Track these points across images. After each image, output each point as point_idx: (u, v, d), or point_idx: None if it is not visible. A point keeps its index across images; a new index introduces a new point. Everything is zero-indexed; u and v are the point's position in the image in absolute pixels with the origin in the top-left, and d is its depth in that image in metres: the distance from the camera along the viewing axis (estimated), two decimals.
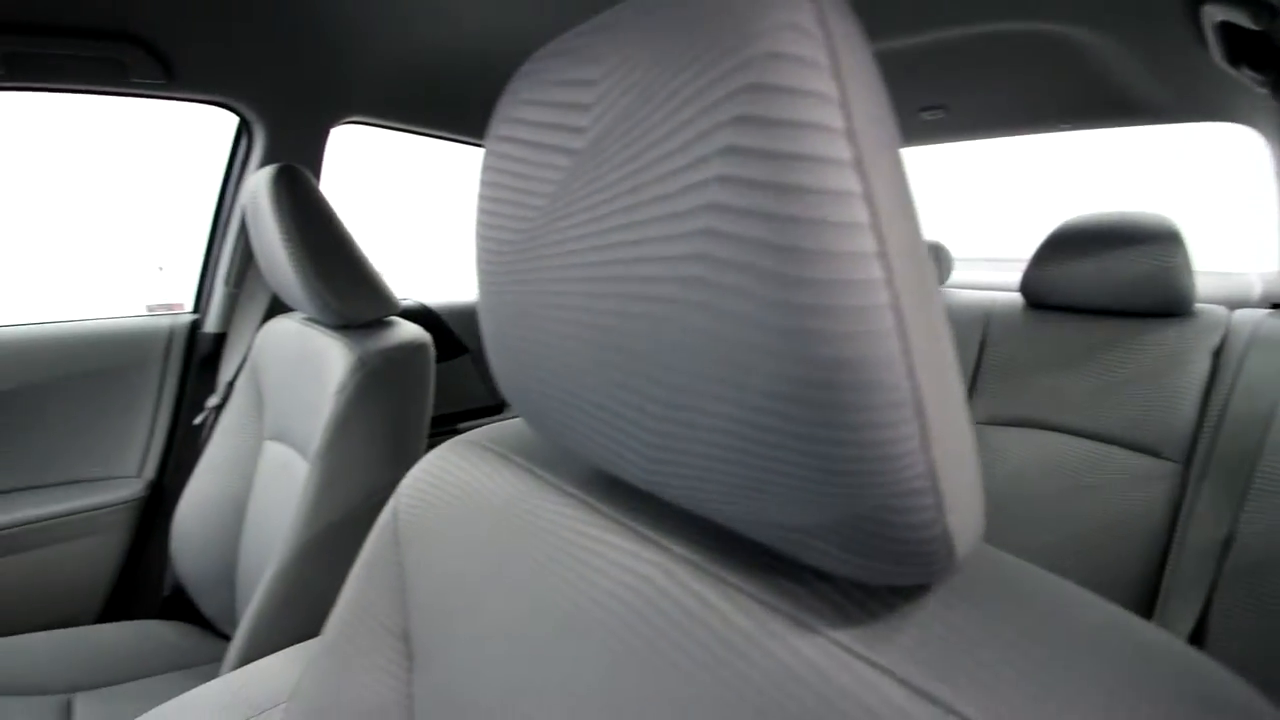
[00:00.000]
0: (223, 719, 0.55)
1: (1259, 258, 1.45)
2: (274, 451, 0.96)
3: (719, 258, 0.18)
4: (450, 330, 1.54)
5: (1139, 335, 0.98)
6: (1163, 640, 0.21)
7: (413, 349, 0.84)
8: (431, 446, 0.81)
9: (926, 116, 1.35)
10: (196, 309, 1.20)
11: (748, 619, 0.24)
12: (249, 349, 1.05)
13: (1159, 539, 0.89)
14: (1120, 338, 0.99)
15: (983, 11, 0.89)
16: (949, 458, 0.18)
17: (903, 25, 0.93)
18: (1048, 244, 1.05)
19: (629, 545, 0.29)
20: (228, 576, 0.98)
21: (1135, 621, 0.22)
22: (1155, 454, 0.93)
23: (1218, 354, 0.92)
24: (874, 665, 0.20)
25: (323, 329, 0.89)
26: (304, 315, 0.98)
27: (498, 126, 0.28)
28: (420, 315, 1.51)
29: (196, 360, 1.16)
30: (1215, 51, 0.81)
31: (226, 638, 1.02)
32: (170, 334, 1.15)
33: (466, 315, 1.58)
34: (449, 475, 0.41)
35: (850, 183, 0.16)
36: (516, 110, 0.27)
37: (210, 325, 1.17)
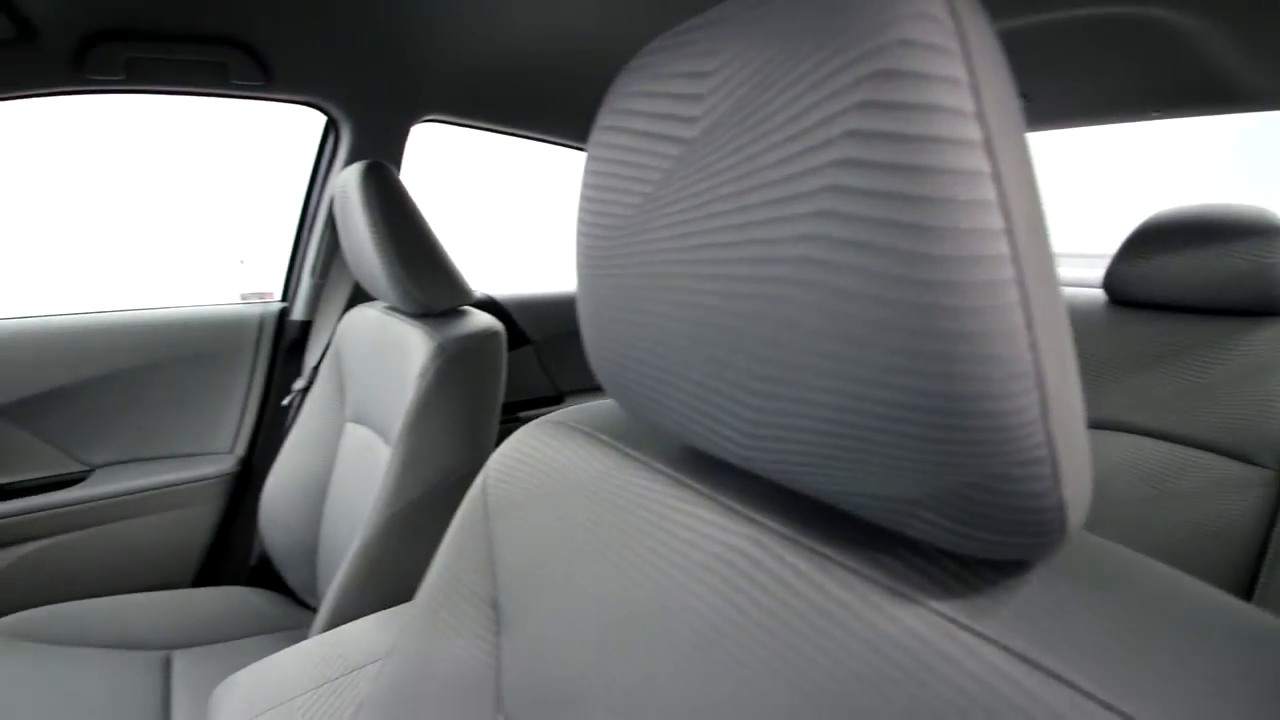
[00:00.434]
0: (320, 673, 0.59)
1: None
2: (354, 433, 1.02)
3: (835, 237, 0.19)
4: (514, 322, 1.58)
5: (1233, 335, 0.93)
6: (1276, 625, 0.20)
7: (487, 336, 0.87)
8: (500, 432, 0.84)
9: None
10: (285, 298, 1.28)
11: (845, 590, 0.25)
12: (332, 336, 1.11)
13: (1251, 549, 0.85)
14: (1212, 337, 0.94)
15: None
16: (1065, 430, 0.18)
17: (996, 9, 0.90)
18: (1135, 237, 1.00)
19: (720, 519, 0.31)
20: (310, 549, 1.04)
21: (1244, 606, 0.21)
22: (1248, 460, 0.88)
23: None
24: (978, 634, 0.21)
25: (402, 317, 0.94)
26: (384, 304, 1.03)
27: (605, 118, 0.30)
28: (487, 307, 1.56)
29: (284, 346, 1.24)
30: None
31: (307, 606, 1.08)
32: (261, 321, 1.23)
33: (529, 307, 1.62)
34: (536, 453, 0.43)
35: (979, 163, 0.17)
36: (625, 102, 0.28)
37: (297, 313, 1.24)
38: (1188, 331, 0.96)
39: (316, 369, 1.16)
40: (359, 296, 1.22)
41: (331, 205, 1.18)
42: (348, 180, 0.88)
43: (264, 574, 1.19)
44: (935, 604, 0.23)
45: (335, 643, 0.64)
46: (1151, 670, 0.19)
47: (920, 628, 0.22)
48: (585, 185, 0.32)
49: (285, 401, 1.20)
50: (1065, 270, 1.92)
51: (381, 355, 0.95)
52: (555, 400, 1.69)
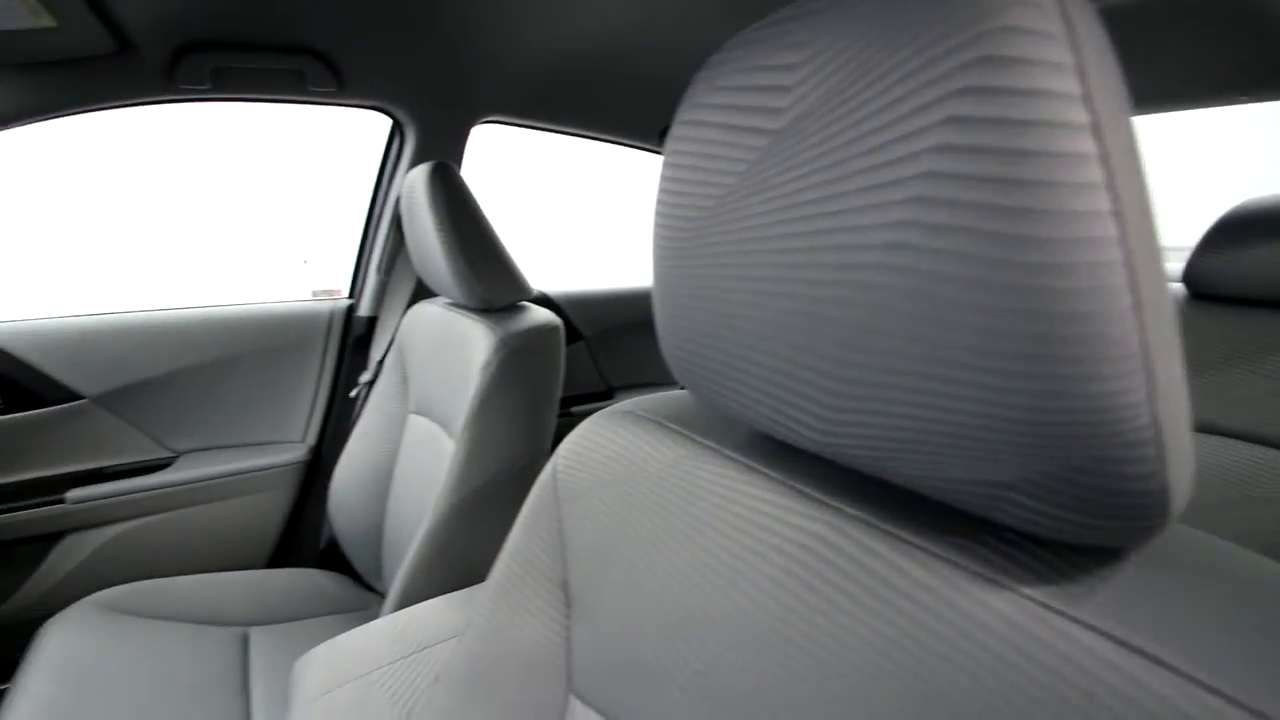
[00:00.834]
0: (394, 650, 0.62)
1: None
2: (417, 424, 1.06)
3: (931, 223, 0.20)
4: (567, 318, 1.61)
5: None
6: None
7: (547, 331, 0.89)
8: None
9: None
10: (351, 295, 1.33)
11: (929, 574, 0.25)
12: (396, 331, 1.15)
13: None
14: None
15: None
16: (1171, 413, 0.18)
17: None
18: (1219, 228, 0.95)
19: (795, 505, 0.31)
20: (375, 534, 1.09)
21: None
22: None
23: None
24: (1073, 619, 0.21)
25: (464, 312, 0.97)
26: (446, 300, 1.07)
27: (686, 112, 0.31)
28: (541, 303, 1.59)
29: (351, 340, 1.29)
30: None
31: (372, 589, 1.13)
32: (330, 317, 1.29)
33: (581, 304, 1.64)
34: (605, 441, 0.44)
35: (1086, 145, 0.17)
36: (708, 96, 0.29)
37: (363, 309, 1.30)
38: (1277, 328, 0.91)
39: (381, 363, 1.21)
40: (421, 293, 1.26)
41: (397, 205, 1.23)
42: (415, 181, 0.91)
43: (332, 557, 1.25)
44: (1026, 589, 0.23)
45: (406, 622, 0.67)
46: (1256, 659, 0.19)
47: (1011, 612, 0.22)
48: (664, 178, 0.32)
49: (352, 394, 1.26)
50: None
51: (443, 349, 0.98)
52: (605, 395, 1.71)
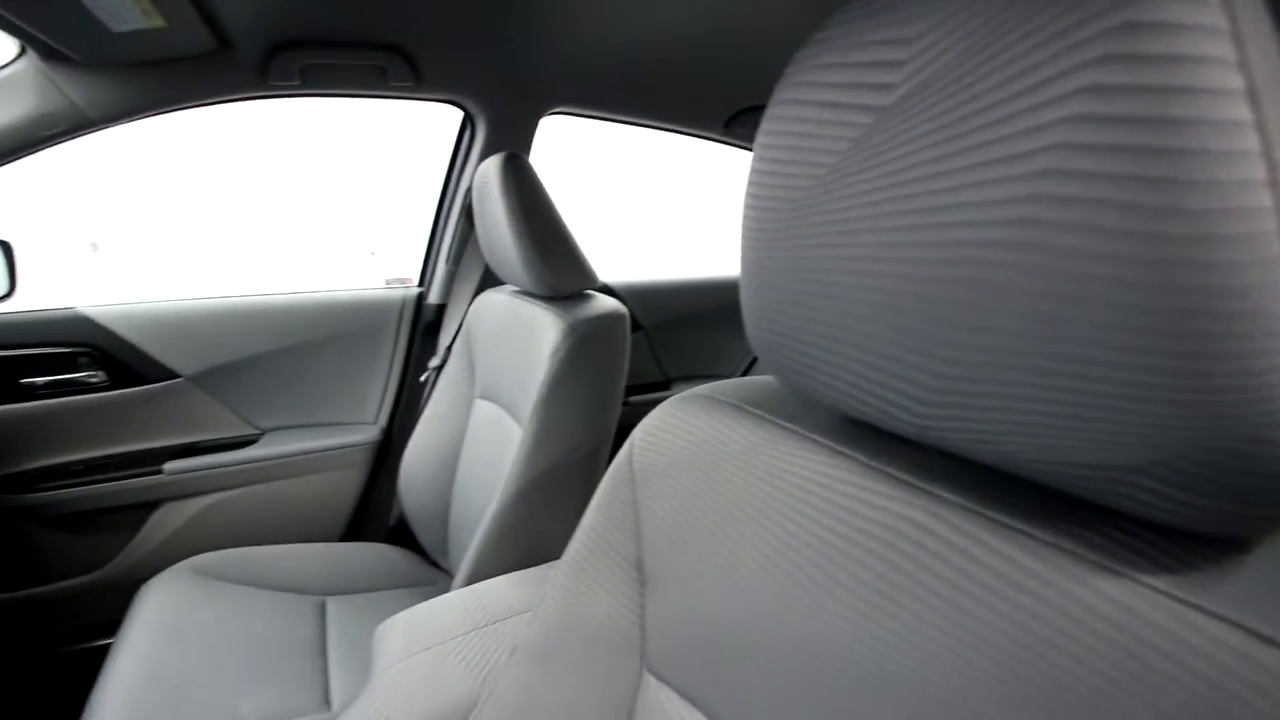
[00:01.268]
0: (467, 621, 0.64)
1: None
2: (483, 408, 1.09)
3: (1061, 196, 0.19)
4: (628, 308, 1.63)
5: None
6: None
7: (614, 318, 0.91)
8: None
9: None
10: (421, 283, 1.38)
11: (1038, 561, 0.24)
12: (464, 318, 1.19)
13: None
14: None
15: None
16: None
17: None
18: None
19: (887, 489, 0.31)
20: (442, 513, 1.13)
21: None
22: None
23: None
24: (1198, 608, 0.20)
25: (532, 300, 0.99)
26: (513, 289, 1.09)
27: (785, 92, 0.31)
28: (602, 292, 1.61)
29: (421, 327, 1.34)
30: None
31: (437, 566, 1.17)
32: (402, 304, 1.34)
33: (640, 294, 1.65)
34: (683, 423, 0.45)
35: (1241, 112, 0.16)
36: (809, 75, 0.29)
37: (433, 297, 1.34)
38: None
39: (449, 349, 1.25)
40: (487, 282, 1.30)
41: (467, 196, 1.26)
42: (487, 171, 0.94)
43: (401, 533, 1.30)
44: (1145, 577, 0.22)
45: (478, 596, 0.69)
46: None
47: (1129, 600, 0.22)
48: (758, 159, 0.33)
49: (422, 378, 1.30)
50: None
51: (511, 336, 1.01)
52: (663, 386, 1.72)
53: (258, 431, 1.25)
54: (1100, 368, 0.20)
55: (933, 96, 0.23)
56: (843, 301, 0.28)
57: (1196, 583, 0.21)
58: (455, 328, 1.29)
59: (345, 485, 1.30)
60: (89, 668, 0.87)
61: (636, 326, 1.66)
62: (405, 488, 1.16)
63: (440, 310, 1.34)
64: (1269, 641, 0.19)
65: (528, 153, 1.26)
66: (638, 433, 0.48)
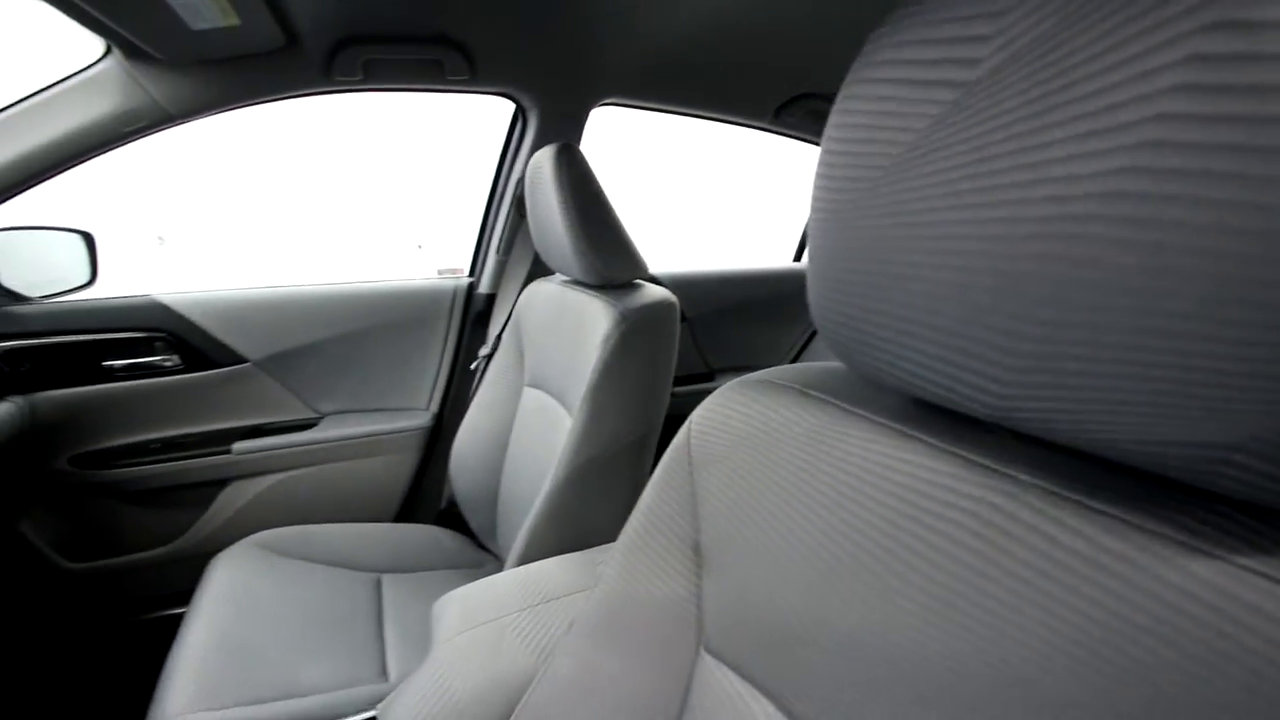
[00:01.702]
0: (522, 599, 0.66)
1: None
2: (532, 396, 1.11)
3: (1162, 168, 0.19)
4: None
5: None
6: None
7: (665, 307, 0.91)
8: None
9: None
10: (472, 273, 1.41)
11: (1122, 542, 0.24)
12: (513, 307, 1.21)
13: None
14: None
15: None
16: None
17: None
18: None
19: (961, 472, 0.31)
20: (491, 498, 1.15)
21: None
22: None
23: None
24: None
25: (582, 289, 1.00)
26: (563, 278, 1.11)
27: (861, 70, 0.31)
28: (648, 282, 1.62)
29: (472, 316, 1.37)
30: None
31: (485, 549, 1.20)
32: (454, 294, 1.37)
33: (685, 285, 1.65)
34: (743, 407, 0.45)
35: None
36: (888, 52, 0.29)
37: (483, 287, 1.37)
38: None
39: (499, 337, 1.28)
40: (537, 271, 1.32)
41: (518, 187, 1.29)
42: (541, 162, 0.95)
43: (451, 517, 1.34)
44: (1241, 559, 0.21)
45: (531, 576, 0.71)
46: None
47: (1224, 582, 0.21)
48: (831, 139, 0.33)
49: (472, 366, 1.34)
50: None
51: (560, 324, 1.03)
52: (707, 377, 1.72)
53: (318, 415, 1.31)
54: (1199, 342, 0.19)
55: (1022, 70, 0.23)
56: (917, 281, 0.28)
57: None
58: (505, 317, 1.31)
59: (399, 468, 1.35)
60: (164, 634, 0.92)
61: (681, 318, 1.66)
62: (456, 472, 1.19)
63: (490, 300, 1.37)
64: None
65: (578, 144, 1.27)
66: (695, 416, 0.48)
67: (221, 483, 1.23)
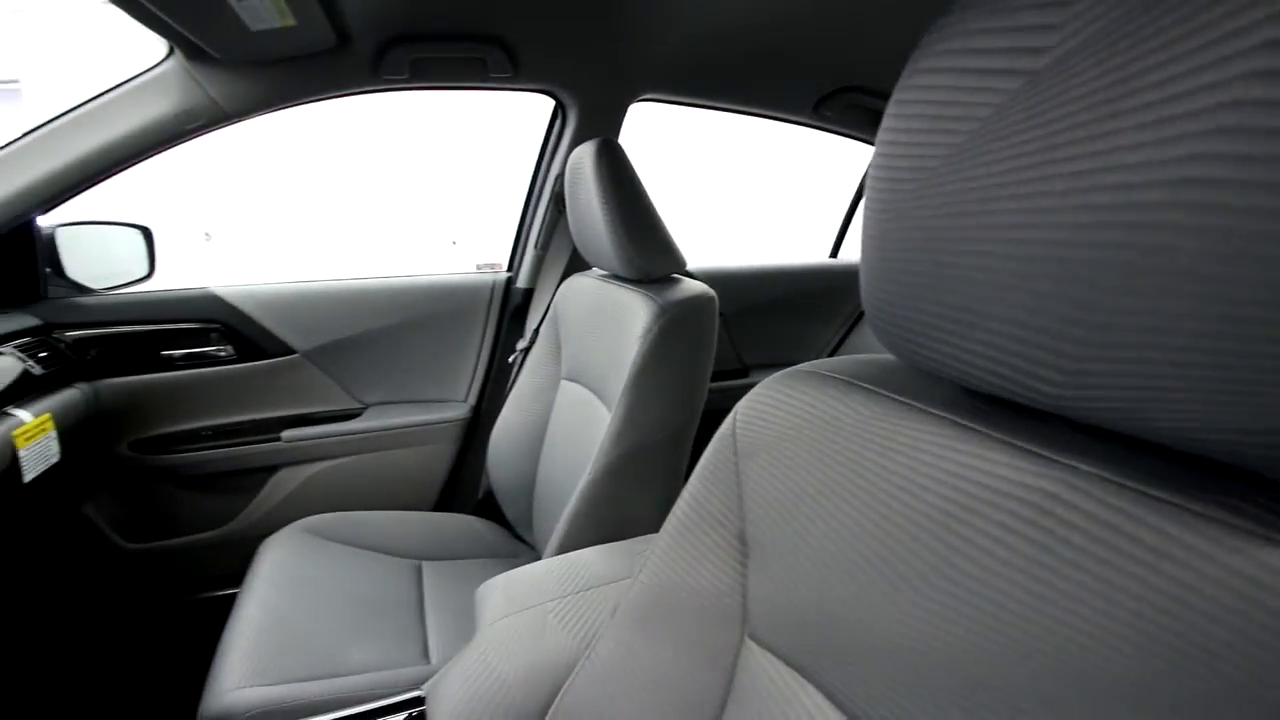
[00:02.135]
0: (562, 586, 0.67)
1: None
2: (569, 389, 1.12)
3: (1236, 154, 0.19)
4: None
5: None
6: None
7: (704, 301, 0.92)
8: None
9: None
10: (510, 268, 1.43)
11: (1188, 531, 0.24)
12: (551, 301, 1.23)
13: None
14: None
15: None
16: None
17: None
18: None
19: (1018, 462, 0.31)
20: (528, 489, 1.17)
21: None
22: None
23: None
24: None
25: (621, 283, 1.01)
26: (601, 273, 1.12)
27: (921, 60, 0.31)
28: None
29: (510, 310, 1.39)
30: None
31: (521, 539, 1.22)
32: (492, 288, 1.39)
33: (719, 281, 1.65)
34: (790, 398, 0.45)
35: None
36: (949, 42, 0.29)
37: (521, 281, 1.39)
38: None
39: (537, 331, 1.30)
40: (574, 266, 1.33)
41: (557, 182, 1.30)
42: (581, 156, 0.97)
43: (487, 506, 1.36)
44: None
45: (571, 564, 0.73)
46: None
47: None
48: (888, 130, 0.33)
49: (510, 359, 1.36)
50: None
51: (599, 318, 1.04)
52: (741, 373, 1.71)
53: (362, 406, 1.34)
54: (1271, 327, 0.19)
55: (1090, 59, 0.23)
56: (976, 271, 0.28)
57: None
58: (542, 311, 1.33)
59: (437, 459, 1.38)
60: (217, 613, 0.96)
61: None
62: (493, 463, 1.21)
63: (528, 294, 1.39)
64: None
65: (616, 140, 1.28)
66: (741, 407, 0.49)
67: (271, 469, 1.27)
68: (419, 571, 1.08)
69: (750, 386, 0.49)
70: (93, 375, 1.12)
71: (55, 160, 0.96)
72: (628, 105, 1.26)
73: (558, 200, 1.30)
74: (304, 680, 0.79)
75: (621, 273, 0.98)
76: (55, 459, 0.97)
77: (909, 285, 0.32)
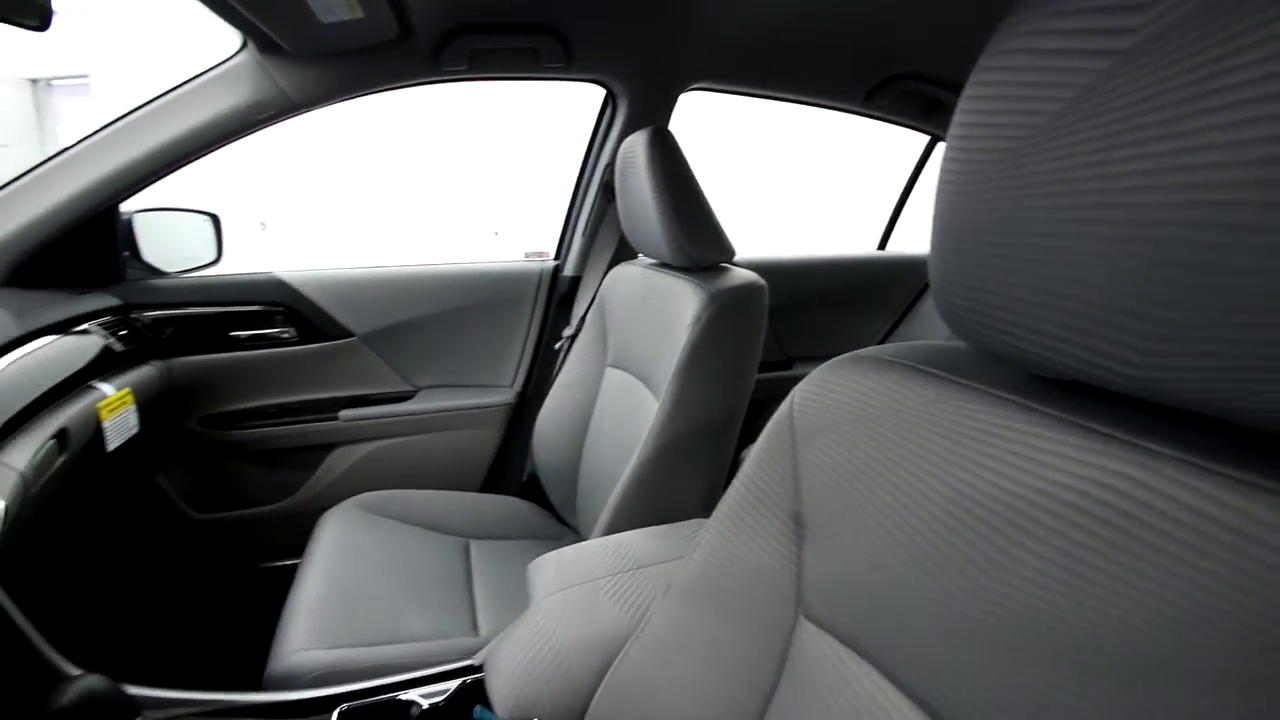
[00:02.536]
0: (613, 564, 0.69)
1: None
2: (615, 376, 1.14)
3: None
4: None
5: None
6: None
7: (753, 289, 0.92)
8: None
9: None
10: (557, 256, 1.46)
11: (1274, 513, 0.24)
12: (597, 290, 1.25)
13: None
14: None
15: None
16: None
17: None
18: None
19: (1088, 444, 0.31)
20: (572, 473, 1.20)
21: None
22: None
23: None
24: None
25: (670, 271, 1.02)
26: (649, 261, 1.13)
27: (1002, 41, 0.31)
28: None
29: (556, 298, 1.42)
30: None
31: (564, 522, 1.25)
32: (540, 276, 1.42)
33: (764, 272, 1.64)
34: (849, 383, 0.46)
35: None
36: (1032, 23, 0.29)
37: (568, 269, 1.42)
38: None
39: (583, 319, 1.32)
40: (621, 255, 1.35)
41: (606, 171, 1.32)
42: (634, 145, 0.98)
43: (532, 489, 1.39)
44: None
45: (618, 544, 0.74)
46: None
47: None
48: (963, 114, 0.33)
49: (556, 346, 1.38)
50: None
51: (647, 306, 1.05)
52: (784, 365, 1.71)
53: (414, 389, 1.39)
54: None
55: (1184, 37, 0.23)
56: (1055, 252, 0.29)
57: None
58: (589, 299, 1.35)
59: (484, 442, 1.41)
60: (278, 582, 1.01)
61: None
62: (538, 448, 1.24)
63: (575, 282, 1.41)
64: None
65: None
66: (799, 391, 0.49)
67: (329, 446, 1.33)
68: (467, 549, 1.12)
69: (792, 379, 0.49)
70: (167, 354, 1.18)
71: (135, 150, 1.02)
72: (678, 94, 1.26)
73: (607, 189, 1.32)
74: (363, 645, 0.83)
75: (671, 261, 0.99)
76: (134, 431, 1.03)
77: (982, 266, 0.33)
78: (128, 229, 1.17)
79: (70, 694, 0.57)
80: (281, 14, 0.84)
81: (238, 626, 1.25)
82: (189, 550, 1.29)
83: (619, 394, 1.12)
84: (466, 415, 1.39)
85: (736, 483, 0.52)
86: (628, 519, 0.90)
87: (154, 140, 1.02)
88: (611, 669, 0.54)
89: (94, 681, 0.58)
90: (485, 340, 1.42)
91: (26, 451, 0.76)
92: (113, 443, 0.97)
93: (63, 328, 0.95)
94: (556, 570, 0.71)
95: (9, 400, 0.78)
